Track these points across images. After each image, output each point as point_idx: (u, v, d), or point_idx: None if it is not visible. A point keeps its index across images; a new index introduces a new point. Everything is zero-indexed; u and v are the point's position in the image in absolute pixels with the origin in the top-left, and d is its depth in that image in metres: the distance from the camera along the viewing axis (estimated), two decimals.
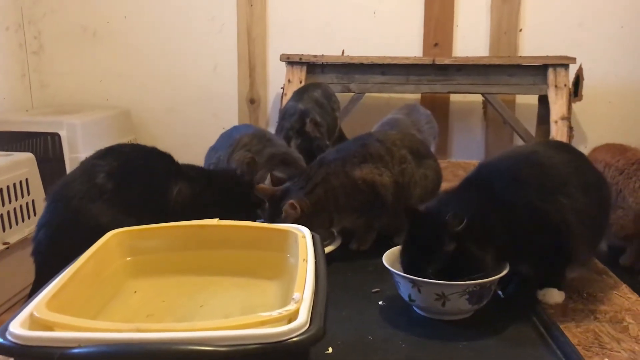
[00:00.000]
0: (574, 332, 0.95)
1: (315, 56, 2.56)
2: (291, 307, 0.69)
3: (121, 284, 0.93)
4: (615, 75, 2.80)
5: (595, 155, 1.29)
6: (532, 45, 2.77)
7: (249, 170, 1.41)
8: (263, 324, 0.66)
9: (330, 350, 0.91)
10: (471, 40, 2.80)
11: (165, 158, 1.31)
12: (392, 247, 1.11)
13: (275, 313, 0.68)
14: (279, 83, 2.68)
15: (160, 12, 2.88)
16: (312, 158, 1.64)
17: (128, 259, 0.96)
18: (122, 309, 0.86)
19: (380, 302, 1.08)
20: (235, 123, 2.79)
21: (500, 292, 1.09)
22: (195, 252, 0.98)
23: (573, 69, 2.51)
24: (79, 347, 0.61)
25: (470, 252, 0.96)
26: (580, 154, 1.19)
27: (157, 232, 0.98)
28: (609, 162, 1.35)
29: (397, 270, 1.02)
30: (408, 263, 1.02)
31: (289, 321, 0.67)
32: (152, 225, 0.98)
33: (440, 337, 0.96)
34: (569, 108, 2.46)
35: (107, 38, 2.92)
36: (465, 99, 2.84)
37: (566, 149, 1.19)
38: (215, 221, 0.99)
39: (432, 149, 1.93)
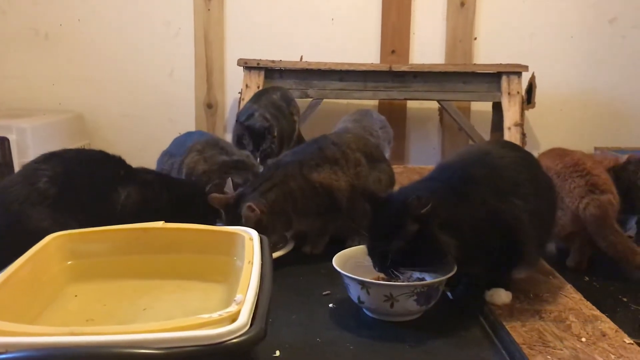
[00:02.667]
0: (519, 332, 0.97)
1: (273, 61, 2.55)
2: (232, 308, 0.68)
3: (61, 288, 0.90)
4: (566, 84, 2.89)
5: (539, 161, 1.33)
6: (486, 53, 2.83)
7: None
8: (203, 325, 0.65)
9: (278, 353, 0.90)
10: (427, 47, 2.84)
11: (113, 162, 1.27)
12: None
13: (215, 315, 0.66)
14: (236, 88, 2.66)
15: (116, 16, 2.82)
16: (253, 141, 1.79)
17: (69, 262, 0.93)
18: (61, 314, 0.84)
19: (330, 305, 1.08)
20: (192, 128, 2.76)
21: (449, 293, 1.10)
22: (140, 256, 0.95)
23: (526, 77, 2.57)
24: (6, 352, 0.59)
25: (434, 236, 0.96)
26: (530, 154, 1.22)
27: (99, 235, 0.95)
28: (550, 166, 1.41)
29: (347, 273, 1.01)
30: (370, 244, 1.01)
31: (231, 323, 0.65)
32: (94, 228, 0.96)
33: (388, 338, 0.96)
34: (522, 115, 2.51)
35: (60, 41, 2.85)
36: (422, 106, 2.87)
37: (517, 148, 1.22)
38: (160, 224, 0.97)
39: (387, 153, 1.94)
